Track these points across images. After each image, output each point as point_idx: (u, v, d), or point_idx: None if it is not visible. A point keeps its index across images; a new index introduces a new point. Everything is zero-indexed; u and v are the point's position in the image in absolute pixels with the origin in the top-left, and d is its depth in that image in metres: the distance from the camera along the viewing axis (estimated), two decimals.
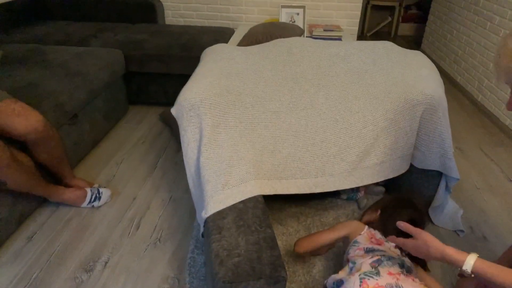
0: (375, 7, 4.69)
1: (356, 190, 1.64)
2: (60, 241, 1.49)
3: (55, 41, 2.43)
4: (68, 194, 1.61)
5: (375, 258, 1.05)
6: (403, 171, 1.50)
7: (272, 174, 1.35)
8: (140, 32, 2.61)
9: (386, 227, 1.20)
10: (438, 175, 1.51)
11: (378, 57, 1.63)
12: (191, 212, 1.66)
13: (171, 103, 1.68)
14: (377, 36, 4.76)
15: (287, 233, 1.48)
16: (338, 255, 1.38)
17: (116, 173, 1.92)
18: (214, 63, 1.57)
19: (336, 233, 1.24)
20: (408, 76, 1.47)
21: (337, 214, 1.58)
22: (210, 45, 1.91)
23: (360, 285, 0.95)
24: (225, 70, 1.51)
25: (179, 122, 1.36)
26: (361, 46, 1.71)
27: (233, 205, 1.12)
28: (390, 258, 1.05)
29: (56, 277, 1.34)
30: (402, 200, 1.32)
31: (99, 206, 1.67)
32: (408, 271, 1.03)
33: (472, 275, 0.85)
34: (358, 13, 3.01)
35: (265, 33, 2.19)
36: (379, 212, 1.29)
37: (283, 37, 1.95)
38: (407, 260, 1.09)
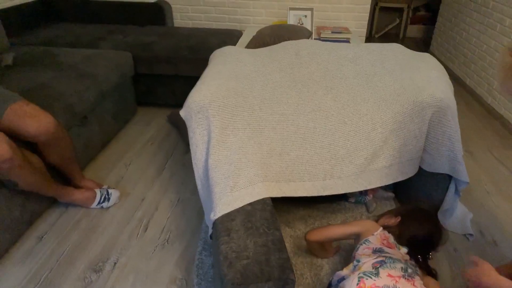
0: (383, 9, 4.67)
1: (364, 193, 1.63)
2: (70, 241, 1.51)
3: (65, 43, 2.46)
4: (78, 195, 1.63)
5: (379, 259, 1.05)
6: (412, 174, 1.49)
7: (280, 176, 1.35)
8: (149, 34, 2.63)
9: (402, 235, 1.21)
10: (448, 178, 1.50)
11: (386, 59, 1.62)
12: (199, 213, 1.67)
13: (179, 104, 1.69)
14: (386, 38, 4.74)
15: (295, 235, 1.48)
16: (346, 258, 1.37)
17: (125, 174, 1.93)
18: (223, 65, 1.58)
19: (349, 228, 1.24)
20: (417, 78, 1.46)
21: (345, 217, 1.57)
22: (218, 48, 1.92)
23: (357, 284, 0.95)
24: (233, 72, 1.52)
25: (188, 124, 1.37)
26: (369, 49, 1.71)
27: (242, 207, 1.13)
28: (394, 261, 1.04)
29: (65, 277, 1.35)
30: (425, 214, 1.32)
31: (108, 207, 1.69)
32: (410, 276, 1.01)
33: None
34: (366, 15, 3.00)
35: (273, 36, 2.19)
36: (399, 218, 1.28)
37: (291, 40, 1.95)
38: (412, 265, 1.08)
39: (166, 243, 1.51)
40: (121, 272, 1.38)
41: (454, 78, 3.33)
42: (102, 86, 1.99)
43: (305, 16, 2.67)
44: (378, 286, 0.94)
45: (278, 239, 0.99)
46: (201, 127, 1.34)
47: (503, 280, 0.90)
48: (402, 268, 1.02)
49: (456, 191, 1.53)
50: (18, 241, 1.50)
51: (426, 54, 1.67)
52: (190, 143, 1.36)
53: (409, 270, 1.03)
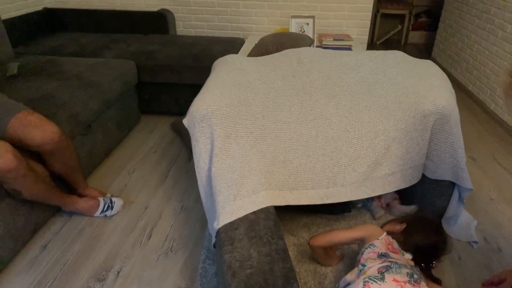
0: (385, 16, 4.69)
1: (371, 198, 1.62)
2: (74, 250, 1.51)
3: (70, 53, 2.49)
4: (82, 203, 1.63)
5: (384, 264, 1.04)
6: (415, 182, 1.49)
7: (283, 184, 1.35)
8: (152, 43, 2.65)
9: (406, 243, 1.20)
10: (451, 185, 1.50)
11: (388, 67, 1.62)
12: (203, 222, 1.67)
13: (182, 112, 1.70)
14: (387, 44, 4.75)
15: (298, 243, 1.47)
16: (349, 266, 1.37)
17: (128, 182, 1.94)
18: (225, 74, 1.59)
19: (353, 233, 1.23)
20: (418, 86, 1.47)
21: (348, 225, 1.57)
22: (221, 56, 1.93)
23: None
24: (236, 80, 1.53)
25: (191, 133, 1.37)
26: (371, 56, 1.71)
27: (245, 216, 1.13)
28: (400, 266, 1.04)
29: (69, 286, 1.35)
30: (430, 223, 1.31)
31: (112, 216, 1.69)
32: (416, 282, 1.01)
33: None
34: (367, 22, 3.01)
35: (275, 44, 2.21)
36: (404, 225, 1.27)
37: (293, 47, 1.97)
38: (417, 271, 1.08)
39: (169, 251, 1.51)
40: (124, 281, 1.38)
41: (457, 84, 3.33)
42: (106, 94, 2.01)
43: (307, 24, 2.69)
44: None
45: (282, 249, 0.99)
46: (204, 136, 1.34)
47: None
48: (408, 273, 1.02)
49: (460, 198, 1.52)
50: (22, 250, 1.50)
51: (428, 61, 1.68)
52: (193, 152, 1.37)
53: (415, 276, 1.03)
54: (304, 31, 2.72)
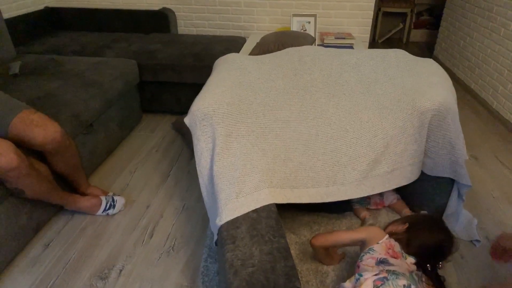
0: (387, 14, 4.68)
1: (366, 196, 1.61)
2: (76, 248, 1.52)
3: (71, 52, 2.49)
4: (84, 202, 1.64)
5: (381, 276, 1.01)
6: (414, 179, 1.49)
7: (284, 182, 1.36)
8: (154, 42, 2.65)
9: (411, 243, 1.18)
10: (450, 182, 1.50)
11: (389, 66, 1.62)
12: (204, 220, 1.67)
13: (184, 111, 1.70)
14: (389, 42, 4.74)
15: (300, 242, 1.48)
16: (351, 265, 1.37)
17: (130, 181, 1.94)
18: (226, 72, 1.59)
19: (355, 235, 1.22)
20: (417, 84, 1.47)
21: (350, 223, 1.57)
22: (222, 55, 1.93)
23: None
24: (237, 79, 1.53)
25: (192, 132, 1.38)
26: (372, 55, 1.71)
27: (247, 214, 1.13)
28: (398, 276, 1.00)
29: (72, 285, 1.36)
30: (435, 222, 1.30)
31: (114, 214, 1.70)
32: None
33: None
34: (369, 20, 3.01)
35: (276, 42, 2.20)
36: (406, 225, 1.25)
37: (295, 46, 1.96)
38: (418, 277, 1.06)
39: (171, 250, 1.52)
40: (126, 280, 1.38)
41: (459, 83, 3.32)
42: (108, 94, 2.01)
43: (309, 22, 2.69)
44: None
45: (283, 247, 0.99)
46: (206, 135, 1.35)
47: None
48: (404, 286, 0.98)
49: (459, 195, 1.52)
50: (25, 249, 1.51)
51: (429, 60, 1.67)
52: (194, 151, 1.37)
53: (413, 286, 0.99)
54: (305, 30, 2.71)
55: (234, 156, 1.30)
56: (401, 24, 4.75)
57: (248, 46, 2.62)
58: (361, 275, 1.04)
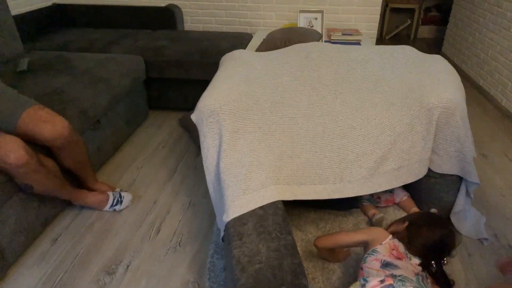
0: (394, 10, 4.64)
1: (371, 194, 1.60)
2: (84, 244, 1.53)
3: (79, 48, 2.50)
4: (91, 197, 1.65)
5: (386, 283, 0.98)
6: (422, 176, 1.47)
7: (291, 179, 1.35)
8: (160, 39, 2.66)
9: (412, 241, 1.16)
10: (458, 180, 1.49)
11: (396, 62, 1.61)
12: (211, 216, 1.68)
13: (190, 108, 1.70)
14: (396, 39, 4.70)
15: (306, 239, 1.47)
16: (358, 262, 1.36)
17: (137, 177, 1.95)
18: (233, 69, 1.58)
19: (357, 236, 1.20)
20: (425, 81, 1.46)
21: (357, 221, 1.56)
22: (228, 51, 1.93)
23: None
24: (243, 76, 1.52)
25: (199, 128, 1.38)
26: (380, 51, 1.70)
27: (253, 211, 1.13)
28: (404, 283, 0.98)
29: (79, 280, 1.37)
30: (435, 218, 1.28)
31: (121, 210, 1.71)
32: None
33: None
34: (377, 16, 2.98)
35: (283, 39, 2.19)
36: (406, 224, 1.24)
37: (302, 42, 1.95)
38: (424, 278, 1.05)
39: (178, 246, 1.52)
40: (133, 275, 1.39)
41: (467, 80, 3.29)
42: (115, 90, 2.02)
43: (316, 18, 2.67)
44: None
45: (290, 244, 0.99)
46: (212, 131, 1.35)
47: None
48: None
49: (467, 193, 1.51)
50: (33, 244, 1.53)
51: (437, 56, 1.66)
52: (201, 147, 1.37)
53: None
54: (312, 26, 2.70)
55: (240, 152, 1.29)
56: (408, 20, 4.71)
57: (255, 42, 2.61)
58: (366, 280, 1.02)
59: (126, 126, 2.23)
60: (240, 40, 2.67)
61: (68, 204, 1.69)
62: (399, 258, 1.08)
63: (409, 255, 1.12)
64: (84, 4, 3.08)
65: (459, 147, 1.40)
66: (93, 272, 1.40)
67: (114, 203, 1.69)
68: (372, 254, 1.10)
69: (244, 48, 2.54)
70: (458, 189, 1.51)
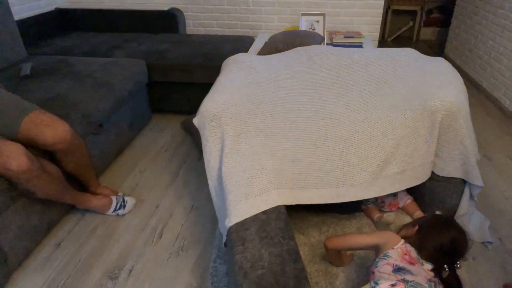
0: (396, 12, 4.63)
1: (375, 198, 1.59)
2: (87, 248, 1.53)
3: (81, 53, 2.51)
4: (95, 201, 1.65)
5: (397, 287, 0.97)
6: (425, 179, 1.47)
7: (294, 183, 1.35)
8: (163, 42, 2.66)
9: (423, 245, 1.15)
10: (462, 183, 1.48)
11: (399, 65, 1.60)
12: (213, 221, 1.67)
13: (193, 111, 1.70)
14: (398, 41, 4.69)
15: (309, 243, 1.47)
16: (361, 267, 1.36)
17: (140, 181, 1.95)
18: (235, 73, 1.59)
19: (370, 239, 1.18)
20: (428, 84, 1.45)
21: (360, 224, 1.56)
22: (231, 54, 1.93)
23: None
24: (245, 79, 1.52)
25: (201, 132, 1.38)
26: (382, 54, 1.69)
27: (256, 216, 1.13)
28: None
29: (83, 284, 1.37)
30: (445, 220, 1.26)
31: (124, 214, 1.71)
32: None
33: None
34: (379, 18, 2.98)
35: (285, 42, 2.19)
36: (416, 227, 1.22)
37: (304, 45, 1.95)
38: (437, 284, 1.04)
39: (180, 250, 1.52)
40: (136, 280, 1.39)
41: (470, 81, 3.28)
42: (118, 94, 2.02)
43: (317, 21, 2.67)
44: None
45: (293, 249, 0.99)
46: (214, 135, 1.35)
47: None
48: None
49: (471, 196, 1.50)
50: (37, 248, 1.53)
51: (440, 59, 1.65)
52: (203, 151, 1.37)
53: None
54: (314, 29, 2.70)
55: (243, 156, 1.29)
56: (411, 22, 4.70)
57: (257, 45, 2.61)
58: (376, 283, 1.01)
59: (128, 130, 2.23)
60: (242, 43, 2.67)
61: (71, 208, 1.70)
62: (411, 263, 1.06)
63: (421, 260, 1.10)
64: (87, 8, 3.09)
65: (462, 150, 1.39)
66: (96, 277, 1.40)
67: (118, 207, 1.69)
68: (384, 259, 1.08)
69: (246, 51, 2.54)
70: (462, 192, 1.50)
